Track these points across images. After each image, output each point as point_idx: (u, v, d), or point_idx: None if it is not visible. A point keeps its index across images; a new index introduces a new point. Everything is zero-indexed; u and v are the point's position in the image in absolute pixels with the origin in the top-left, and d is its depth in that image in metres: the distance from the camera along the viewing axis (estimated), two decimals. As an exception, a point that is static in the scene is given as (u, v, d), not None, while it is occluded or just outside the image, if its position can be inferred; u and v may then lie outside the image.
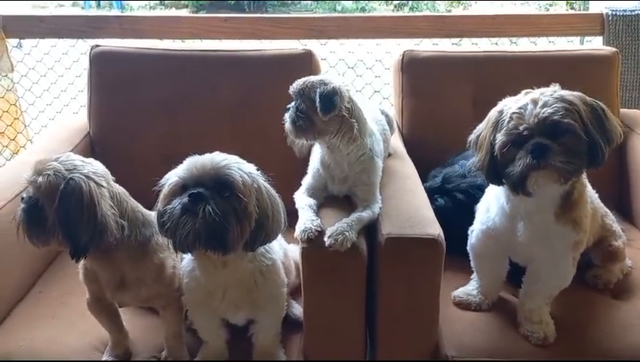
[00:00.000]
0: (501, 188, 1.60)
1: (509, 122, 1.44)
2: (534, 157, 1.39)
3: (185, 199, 1.30)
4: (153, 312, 1.70)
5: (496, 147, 1.46)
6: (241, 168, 1.35)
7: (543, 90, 1.46)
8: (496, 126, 1.48)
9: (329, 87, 1.62)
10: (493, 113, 1.52)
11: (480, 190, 1.92)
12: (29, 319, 1.73)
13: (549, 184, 1.45)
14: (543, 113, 1.39)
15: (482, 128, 1.56)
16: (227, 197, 1.31)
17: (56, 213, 1.35)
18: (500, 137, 1.45)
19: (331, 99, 1.62)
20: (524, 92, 1.49)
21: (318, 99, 1.61)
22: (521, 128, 1.41)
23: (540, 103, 1.41)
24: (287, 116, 1.69)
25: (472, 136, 1.60)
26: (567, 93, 1.44)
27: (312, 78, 1.67)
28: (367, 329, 1.70)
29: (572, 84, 1.49)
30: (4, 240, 1.69)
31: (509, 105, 1.48)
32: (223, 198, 1.31)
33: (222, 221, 1.29)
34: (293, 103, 1.68)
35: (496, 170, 1.50)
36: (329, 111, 1.62)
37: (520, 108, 1.43)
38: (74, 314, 1.72)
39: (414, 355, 1.65)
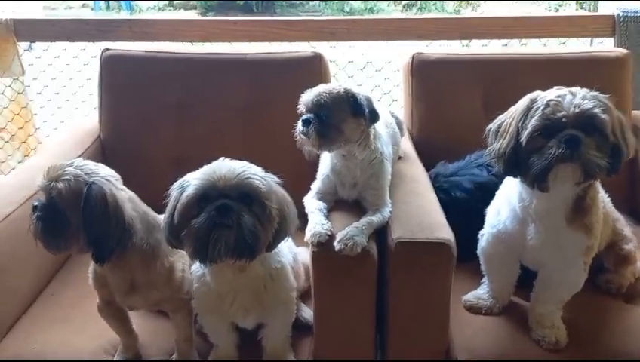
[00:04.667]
0: (514, 187, 1.60)
1: (544, 108, 1.43)
2: (568, 147, 1.39)
3: (212, 212, 1.29)
4: (163, 315, 1.71)
5: (526, 133, 1.44)
6: (257, 174, 1.36)
7: (576, 88, 1.46)
8: (527, 113, 1.47)
9: (366, 96, 1.66)
10: (523, 101, 1.51)
11: (459, 189, 1.98)
12: (41, 322, 1.74)
13: (568, 181, 1.44)
14: (585, 105, 1.40)
15: (506, 117, 1.55)
16: (251, 205, 1.32)
17: (82, 217, 1.35)
18: (532, 122, 1.44)
19: (375, 109, 1.67)
20: (555, 88, 1.48)
21: (367, 110, 1.64)
22: (558, 115, 1.41)
23: (579, 95, 1.42)
24: (310, 128, 1.63)
25: (492, 125, 1.59)
26: (601, 95, 1.45)
27: (336, 88, 1.65)
28: (378, 333, 1.70)
29: (583, 87, 1.47)
30: (16, 243, 1.70)
31: (542, 94, 1.48)
32: (247, 207, 1.31)
33: (254, 230, 1.29)
34: (310, 115, 1.64)
35: (516, 159, 1.49)
36: (376, 121, 1.68)
37: (558, 96, 1.43)
38: (85, 316, 1.73)
39: (425, 359, 1.64)
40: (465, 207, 1.91)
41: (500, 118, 1.58)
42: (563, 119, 1.41)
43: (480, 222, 1.75)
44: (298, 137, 1.69)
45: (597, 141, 1.41)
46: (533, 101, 1.48)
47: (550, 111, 1.42)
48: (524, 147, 1.46)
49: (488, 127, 1.60)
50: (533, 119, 1.44)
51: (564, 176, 1.43)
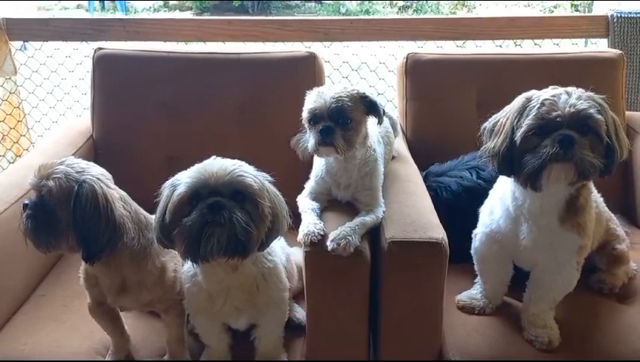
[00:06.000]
0: (507, 187, 1.60)
1: (540, 108, 1.42)
2: (562, 147, 1.38)
3: (204, 210, 1.28)
4: (155, 316, 1.70)
5: (520, 131, 1.44)
6: (249, 172, 1.35)
7: (572, 87, 1.46)
8: (522, 112, 1.47)
9: (371, 94, 1.67)
10: (519, 100, 1.51)
11: (446, 190, 2.00)
12: (32, 322, 1.73)
13: (561, 181, 1.44)
14: (580, 105, 1.40)
15: (501, 115, 1.55)
16: (243, 203, 1.31)
17: (73, 216, 1.35)
18: (527, 121, 1.43)
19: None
20: (551, 87, 1.48)
21: (382, 108, 1.67)
22: (553, 115, 1.40)
23: (575, 96, 1.42)
24: (337, 136, 1.59)
25: (487, 124, 1.59)
26: (596, 96, 1.45)
27: (349, 90, 1.63)
28: (371, 333, 1.69)
29: (577, 87, 1.47)
30: (8, 242, 1.69)
31: (537, 93, 1.47)
32: (240, 205, 1.30)
33: (246, 228, 1.28)
34: (329, 123, 1.60)
35: (511, 158, 1.48)
36: (385, 114, 1.72)
37: (553, 96, 1.43)
38: (76, 317, 1.72)
39: (418, 359, 1.64)
40: (451, 207, 1.92)
41: (495, 116, 1.58)
42: (558, 119, 1.40)
43: (464, 225, 1.75)
44: (312, 149, 1.64)
45: (591, 141, 1.41)
46: (528, 100, 1.48)
47: (545, 110, 1.42)
48: (519, 146, 1.45)
49: (483, 125, 1.60)
50: (528, 118, 1.44)
51: (558, 176, 1.42)
